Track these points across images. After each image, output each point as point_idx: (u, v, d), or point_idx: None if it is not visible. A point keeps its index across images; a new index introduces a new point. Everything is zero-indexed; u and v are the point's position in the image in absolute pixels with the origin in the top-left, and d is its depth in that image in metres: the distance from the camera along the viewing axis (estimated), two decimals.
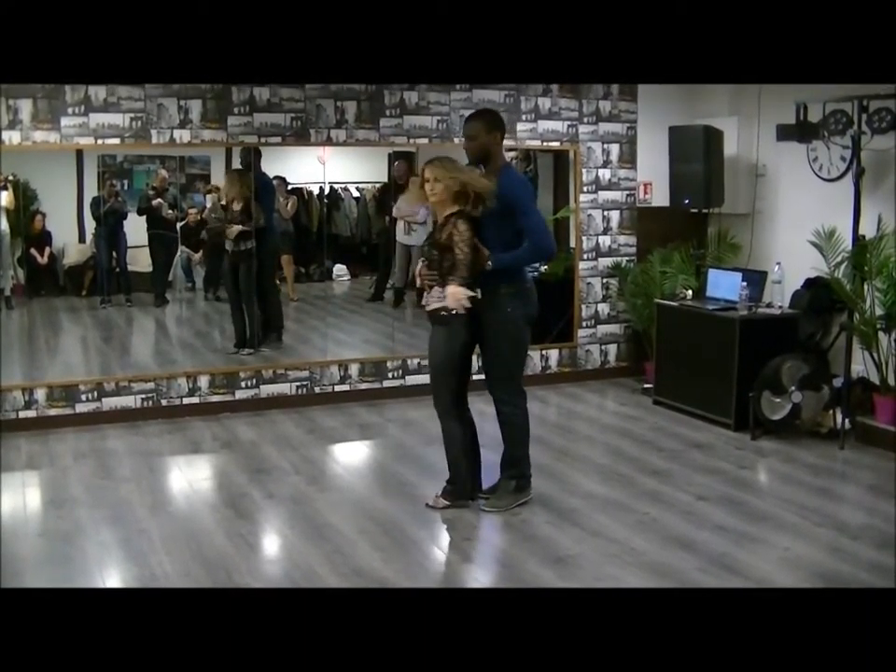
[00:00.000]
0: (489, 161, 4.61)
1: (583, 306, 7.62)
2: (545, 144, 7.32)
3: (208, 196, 7.39)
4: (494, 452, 4.89)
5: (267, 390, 6.78)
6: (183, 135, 6.33)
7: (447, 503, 4.76)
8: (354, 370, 7.02)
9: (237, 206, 7.00)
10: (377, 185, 8.18)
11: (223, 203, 7.17)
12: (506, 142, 4.91)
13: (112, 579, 4.05)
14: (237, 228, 7.01)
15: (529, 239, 4.50)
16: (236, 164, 7.03)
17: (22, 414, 6.16)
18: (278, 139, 6.57)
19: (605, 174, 7.52)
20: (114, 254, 7.27)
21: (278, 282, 7.82)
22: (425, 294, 4.63)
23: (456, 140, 6.94)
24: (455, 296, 4.41)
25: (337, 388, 6.97)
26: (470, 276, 4.47)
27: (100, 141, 6.15)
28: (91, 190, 6.92)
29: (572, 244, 7.58)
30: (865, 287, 5.88)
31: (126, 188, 7.15)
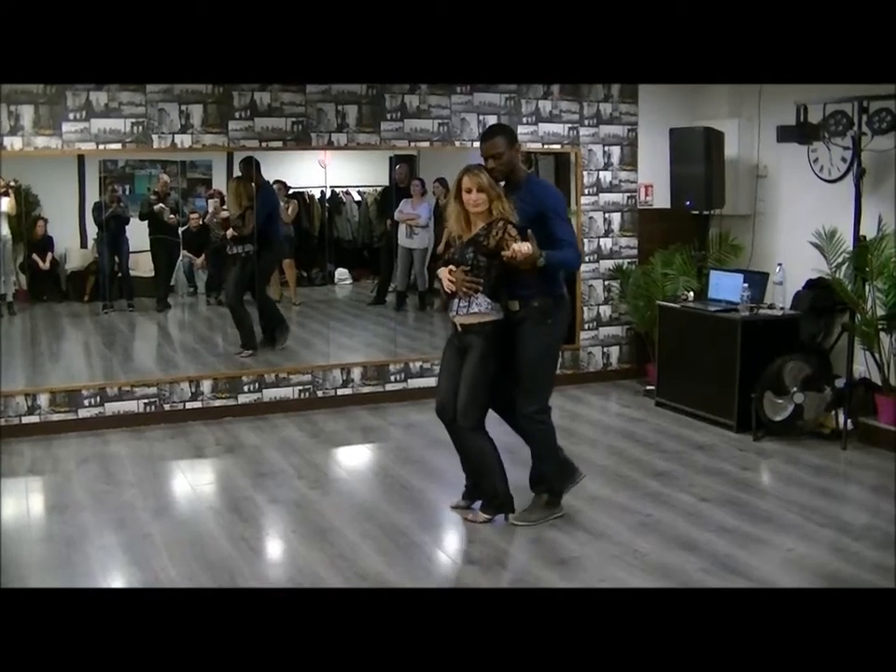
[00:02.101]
0: (512, 175, 4.52)
1: (585, 308, 7.62)
2: (546, 146, 7.32)
3: (210, 200, 7.42)
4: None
5: (270, 394, 6.78)
6: (184, 140, 6.34)
7: (488, 517, 4.65)
8: (356, 373, 7.02)
9: (235, 212, 7.16)
10: (378, 188, 8.20)
11: (225, 206, 7.29)
12: None
13: (115, 583, 4.06)
14: (231, 231, 7.17)
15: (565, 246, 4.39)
16: (237, 170, 7.06)
17: (26, 420, 6.17)
18: (279, 143, 6.58)
19: (606, 176, 7.53)
20: (116, 259, 7.29)
21: (280, 286, 7.86)
22: (458, 302, 4.44)
23: (457, 143, 6.96)
24: (523, 250, 4.18)
25: (339, 392, 6.97)
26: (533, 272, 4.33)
27: (101, 146, 6.16)
28: (92, 196, 6.94)
29: None
30: (866, 287, 5.88)
31: (128, 192, 7.17)
